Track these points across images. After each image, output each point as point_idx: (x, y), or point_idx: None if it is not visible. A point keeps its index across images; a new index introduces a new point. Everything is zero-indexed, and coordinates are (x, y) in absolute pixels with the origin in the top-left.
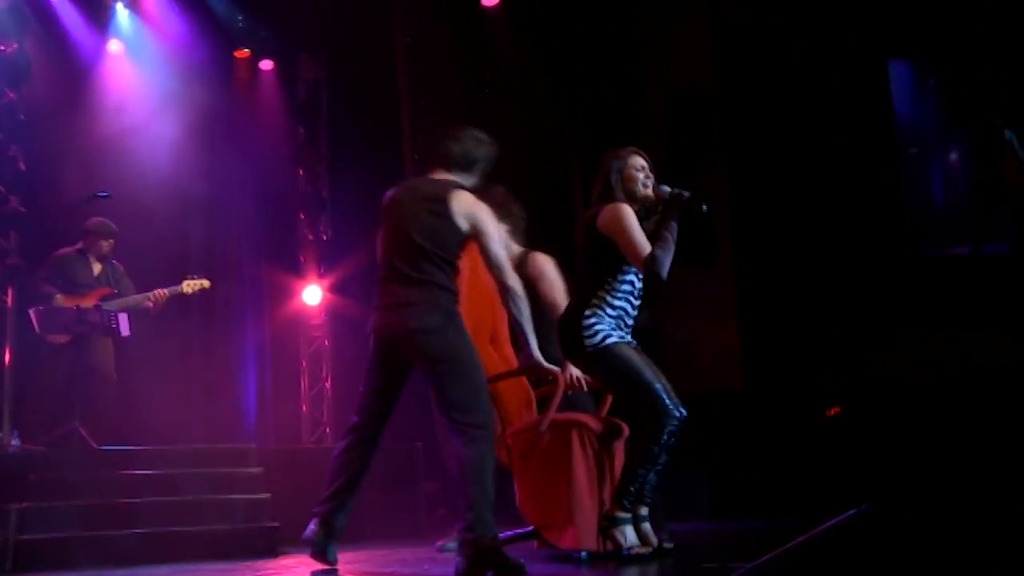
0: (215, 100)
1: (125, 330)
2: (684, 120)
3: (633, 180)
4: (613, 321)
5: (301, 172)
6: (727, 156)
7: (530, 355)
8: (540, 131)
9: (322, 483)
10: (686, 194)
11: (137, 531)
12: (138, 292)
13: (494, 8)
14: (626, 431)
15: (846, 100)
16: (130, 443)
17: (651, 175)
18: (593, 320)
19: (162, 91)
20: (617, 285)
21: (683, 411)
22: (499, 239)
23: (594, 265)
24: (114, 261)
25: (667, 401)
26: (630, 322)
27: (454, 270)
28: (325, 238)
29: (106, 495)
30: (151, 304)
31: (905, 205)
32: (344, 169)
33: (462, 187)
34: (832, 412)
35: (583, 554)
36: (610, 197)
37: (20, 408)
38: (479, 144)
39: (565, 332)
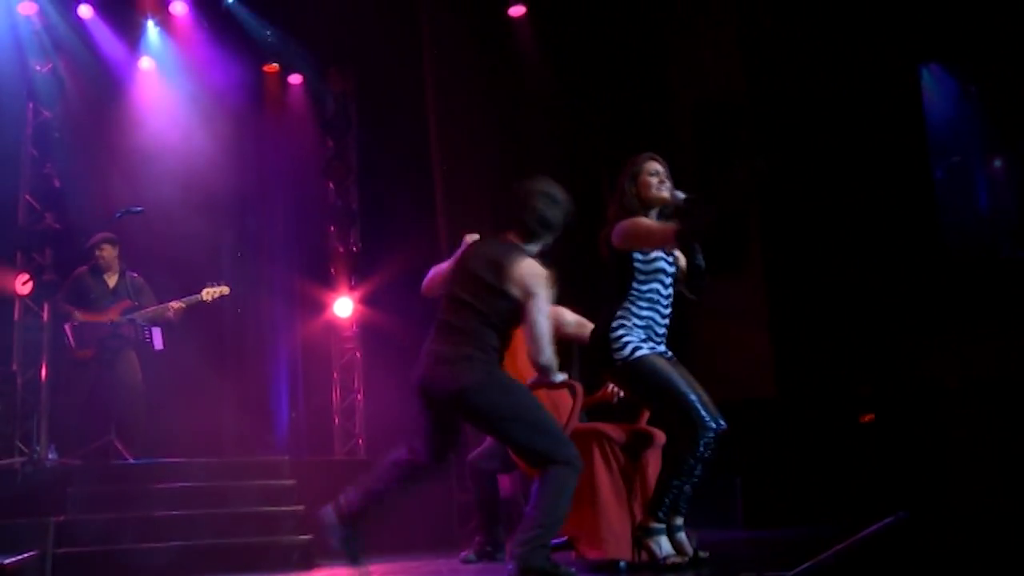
0: (245, 115)
1: (159, 344)
2: (712, 127)
3: (647, 186)
4: (642, 331)
5: (331, 185)
6: (756, 159)
7: (542, 375)
8: (568, 140)
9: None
10: (696, 201)
11: (173, 544)
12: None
13: (521, 18)
14: (660, 439)
15: (877, 106)
16: (164, 456)
17: (666, 180)
18: (621, 332)
19: (193, 107)
20: (641, 293)
21: (721, 423)
22: (547, 312)
23: (616, 278)
24: (133, 273)
25: (702, 412)
26: (661, 331)
27: (502, 335)
28: (356, 250)
29: (141, 508)
30: (172, 315)
31: (942, 210)
32: (373, 181)
33: (525, 253)
34: (866, 419)
35: (622, 564)
36: (623, 205)
37: (56, 423)
38: (552, 205)
39: (596, 347)
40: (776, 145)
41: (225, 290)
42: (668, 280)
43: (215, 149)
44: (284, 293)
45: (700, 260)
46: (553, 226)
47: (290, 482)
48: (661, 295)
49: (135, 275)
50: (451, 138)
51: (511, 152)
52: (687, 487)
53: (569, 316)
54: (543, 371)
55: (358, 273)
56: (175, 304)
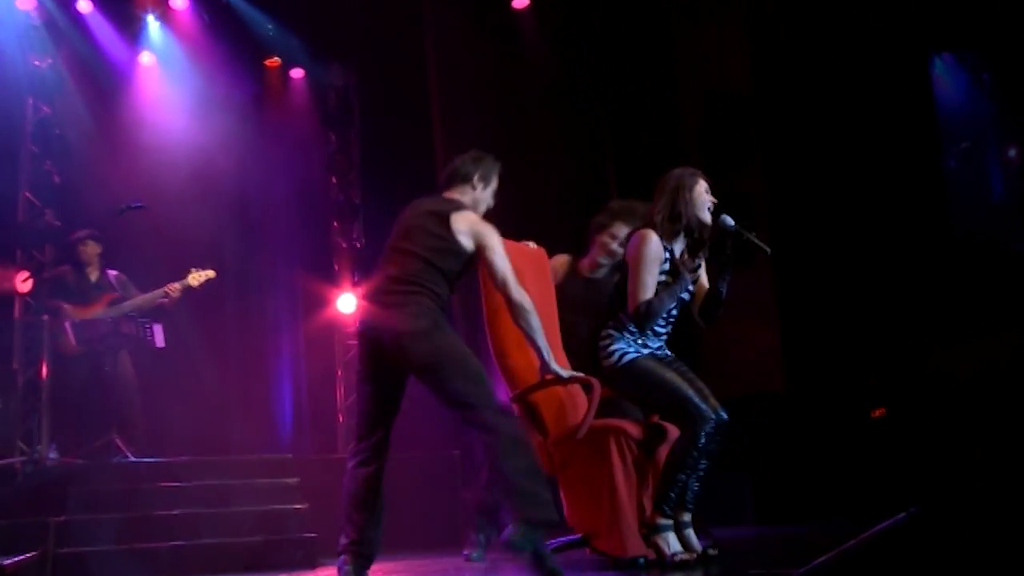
0: (246, 109)
1: (160, 341)
2: (720, 120)
3: (701, 199)
4: (633, 339)
5: (333, 180)
6: (764, 155)
7: (546, 367)
8: (573, 134)
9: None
10: (751, 236)
11: (175, 543)
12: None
13: (525, 10)
14: (673, 434)
15: (887, 96)
16: (165, 455)
17: (714, 200)
18: (608, 342)
19: (193, 102)
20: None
21: (722, 414)
22: (503, 253)
23: (622, 287)
24: (114, 271)
25: (699, 404)
26: (661, 333)
27: (448, 282)
28: (359, 246)
29: (143, 507)
30: (166, 300)
31: (953, 200)
32: (376, 176)
33: (463, 207)
34: (877, 413)
35: (641, 560)
36: (672, 211)
37: (56, 422)
38: (475, 161)
39: (591, 352)
40: (785, 136)
41: (211, 274)
42: (678, 304)
43: (216, 144)
44: (287, 289)
45: (723, 288)
46: (472, 175)
47: (294, 480)
48: (662, 316)
49: (116, 272)
50: (454, 131)
51: (515, 145)
52: (692, 481)
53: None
54: (518, 308)
55: (361, 268)
56: (171, 286)
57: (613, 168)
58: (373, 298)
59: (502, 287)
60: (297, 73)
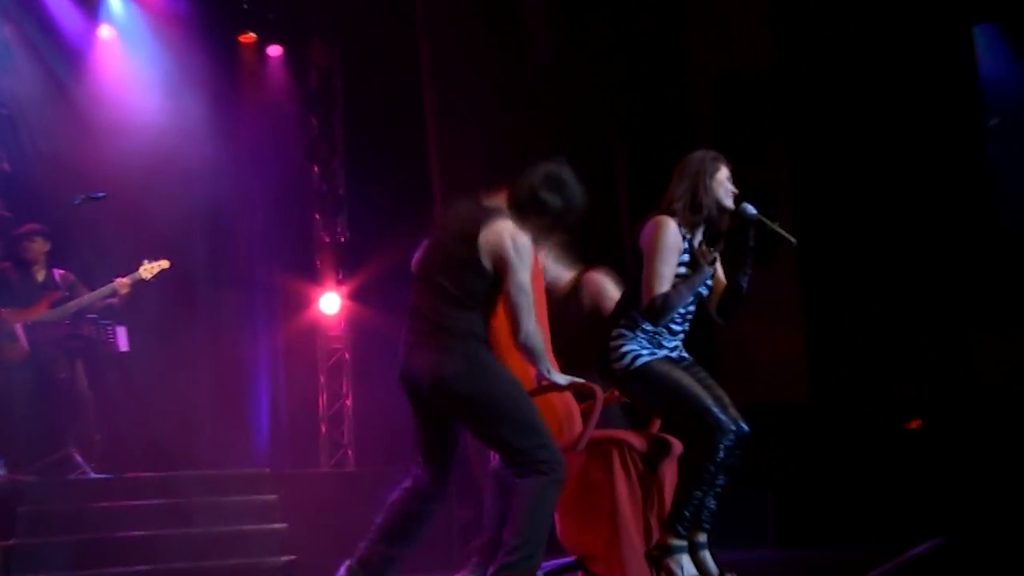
0: (218, 90)
1: (124, 344)
2: (737, 102)
3: (723, 186)
4: (646, 339)
5: (315, 168)
6: (786, 140)
7: (542, 376)
8: (577, 119)
9: (342, 511)
10: (775, 226)
11: (140, 568)
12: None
13: None
14: (677, 448)
15: (924, 73)
16: (128, 470)
17: (735, 189)
18: (619, 342)
19: (159, 81)
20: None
21: (743, 426)
22: (526, 284)
23: (636, 281)
24: (61, 270)
25: (719, 414)
26: (673, 342)
27: (482, 314)
28: (343, 240)
29: (104, 529)
30: (115, 300)
31: (997, 189)
32: (362, 164)
33: (499, 216)
34: (913, 426)
35: None
36: (692, 196)
37: (2, 435)
38: (552, 188)
39: (598, 353)
40: (810, 119)
41: (164, 264)
42: (695, 299)
43: (184, 129)
44: (264, 288)
45: (744, 282)
46: (545, 209)
47: (271, 497)
48: (679, 312)
49: (63, 271)
50: (449, 115)
51: (515, 130)
52: (709, 499)
53: (612, 289)
54: (525, 351)
55: (346, 266)
56: (120, 281)
57: (621, 157)
58: (407, 335)
59: (513, 324)
60: (275, 51)
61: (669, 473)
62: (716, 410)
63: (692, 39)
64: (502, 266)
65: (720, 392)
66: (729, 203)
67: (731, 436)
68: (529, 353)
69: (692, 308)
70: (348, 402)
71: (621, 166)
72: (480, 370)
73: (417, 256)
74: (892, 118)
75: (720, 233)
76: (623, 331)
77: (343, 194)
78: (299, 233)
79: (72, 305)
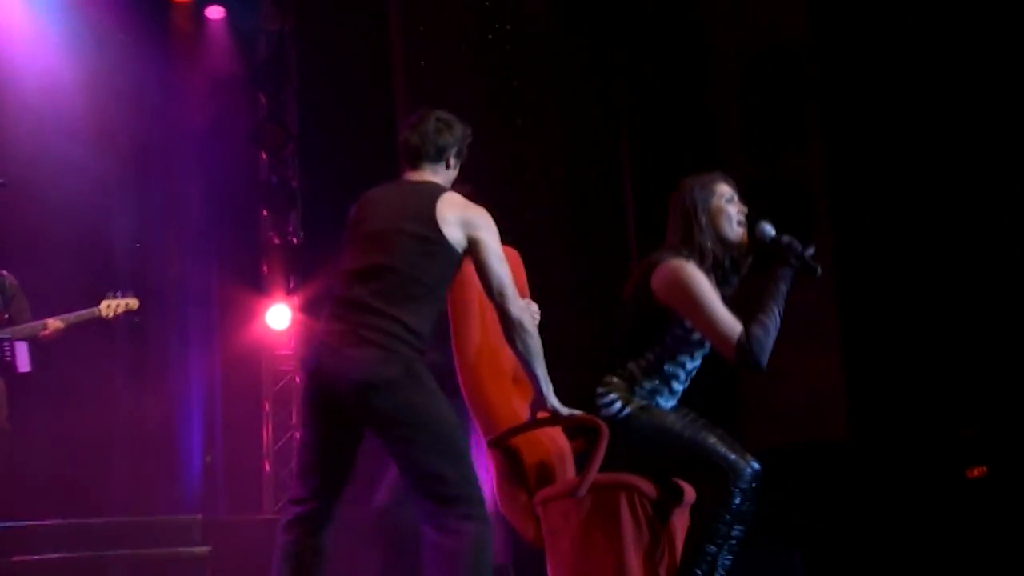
0: (146, 60)
1: (24, 364)
2: (765, 86)
3: (724, 215)
4: (640, 394)
5: (263, 155)
6: (823, 130)
7: (542, 401)
8: (576, 104)
9: None
10: (806, 249)
11: None
12: (34, 313)
13: None
14: (689, 495)
15: (986, 49)
16: (27, 517)
17: (744, 207)
18: (605, 389)
19: (74, 48)
20: (658, 364)
21: (755, 464)
22: (501, 253)
23: (637, 332)
24: (3, 272)
25: (727, 454)
26: (678, 391)
27: (434, 304)
28: (295, 241)
29: None
30: (47, 334)
31: None
32: (319, 151)
33: (445, 189)
34: (975, 473)
35: None
36: (691, 240)
37: None
38: (444, 128)
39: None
40: (852, 105)
41: (133, 303)
42: (703, 352)
43: (104, 106)
44: (198, 298)
45: (779, 310)
46: (450, 148)
47: (203, 549)
48: (685, 368)
49: (4, 273)
50: (423, 93)
51: (503, 111)
52: (724, 555)
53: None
54: (517, 327)
55: (299, 272)
56: (53, 323)
57: (627, 145)
58: (327, 331)
59: (498, 298)
60: (215, 12)
61: (680, 523)
62: (723, 449)
63: (714, 9)
64: (472, 235)
65: (723, 431)
66: (735, 232)
67: (746, 477)
68: (526, 352)
69: (699, 363)
70: (298, 435)
71: (626, 157)
72: (417, 381)
73: (348, 253)
74: (946, 103)
75: (740, 263)
76: (614, 379)
77: (296, 187)
78: (242, 233)
79: (10, 332)
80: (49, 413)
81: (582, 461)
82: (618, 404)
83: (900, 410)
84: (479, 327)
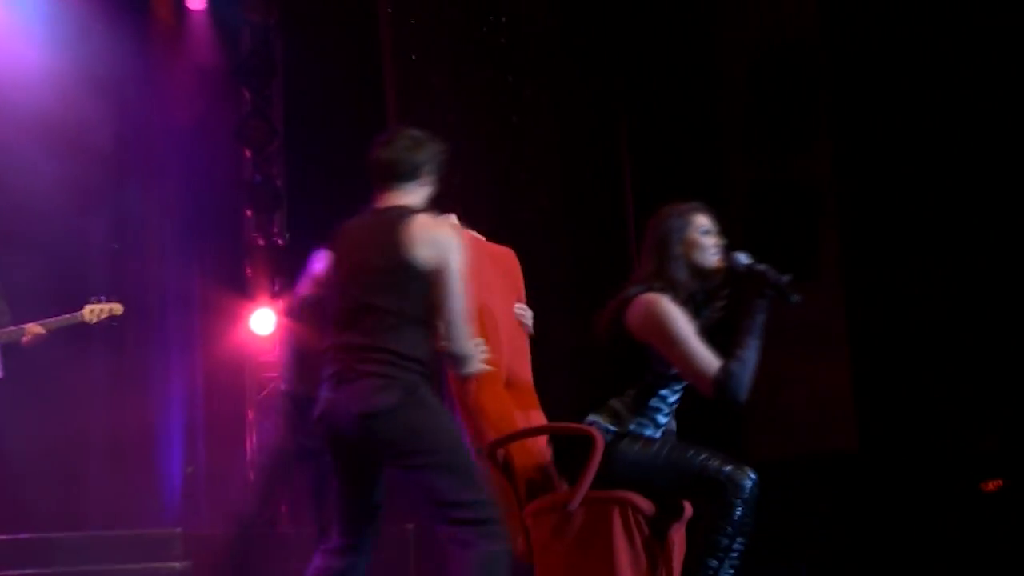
0: (124, 52)
1: None
2: (771, 83)
3: (698, 247)
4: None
5: (247, 153)
6: (834, 130)
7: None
8: (575, 101)
9: None
10: (781, 277)
11: None
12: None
13: None
14: (687, 512)
15: (1006, 45)
16: (1, 531)
17: (721, 240)
18: (601, 423)
19: (48, 38)
20: (644, 401)
21: (752, 475)
22: (460, 283)
23: (614, 368)
24: None
25: (722, 467)
26: (663, 424)
27: (422, 327)
28: (281, 243)
29: None
30: (27, 340)
31: None
32: (306, 149)
33: (415, 212)
34: (991, 487)
35: None
36: (663, 271)
37: None
38: (415, 146)
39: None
40: (864, 103)
41: (117, 309)
42: (682, 384)
43: (80, 102)
44: (179, 302)
45: (754, 342)
46: (424, 166)
47: (182, 564)
48: (667, 402)
49: None
50: (415, 88)
51: (498, 108)
52: (726, 569)
53: None
54: (459, 362)
55: (284, 274)
56: (33, 328)
57: (627, 144)
58: (331, 375)
59: (444, 327)
60: (197, 3)
61: (678, 540)
62: (716, 463)
63: (718, 6)
64: (439, 261)
65: (711, 449)
66: (710, 262)
67: (746, 488)
68: (463, 363)
69: (680, 395)
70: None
71: (626, 158)
72: (419, 404)
73: (324, 291)
74: (961, 102)
75: (715, 295)
76: (594, 419)
77: (281, 185)
78: (225, 234)
79: None
80: (21, 421)
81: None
82: (610, 428)
83: (912, 420)
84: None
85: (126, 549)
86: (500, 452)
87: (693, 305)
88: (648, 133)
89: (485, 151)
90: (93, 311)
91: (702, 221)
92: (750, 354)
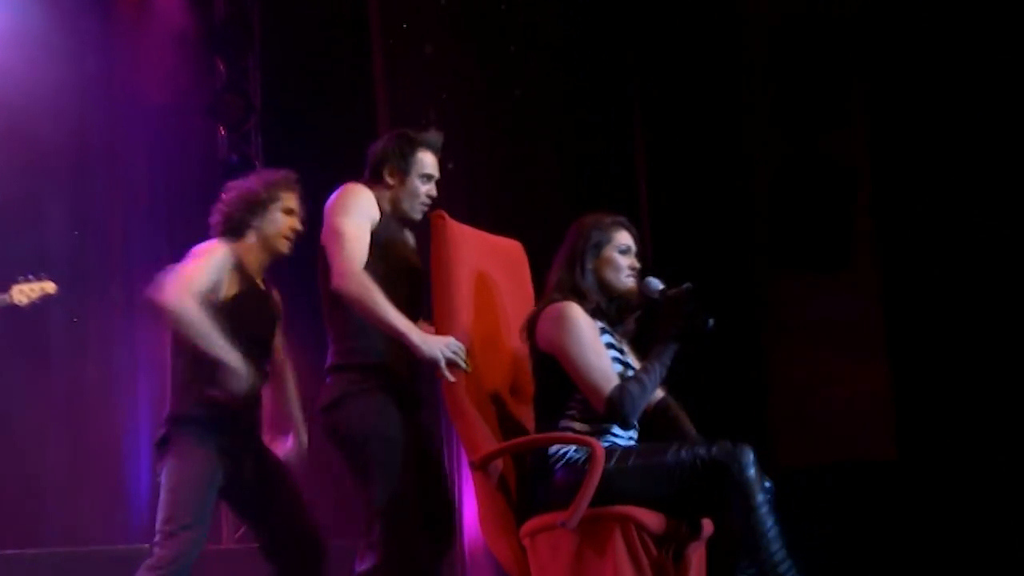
0: (85, 17)
1: None
2: (802, 53)
3: (612, 265)
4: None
5: (221, 130)
6: (869, 108)
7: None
8: (585, 77)
9: None
10: (694, 306)
11: None
12: None
13: None
14: (706, 529)
15: None
16: None
17: (637, 263)
18: (562, 451)
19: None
20: (580, 407)
21: (748, 447)
22: (341, 226)
23: (544, 389)
24: None
25: (712, 449)
26: (633, 423)
27: (337, 303)
28: None
29: None
30: None
31: None
32: (285, 126)
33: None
34: None
35: None
36: (574, 284)
37: None
38: (383, 150)
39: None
40: (903, 80)
41: (49, 288)
42: None
43: (37, 74)
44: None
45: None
46: (392, 165)
47: None
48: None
49: None
50: (406, 59)
51: (498, 82)
52: (770, 523)
53: None
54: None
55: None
56: None
57: (641, 128)
58: None
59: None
60: None
61: (696, 561)
62: (703, 450)
63: None
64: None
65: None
66: (622, 283)
67: (746, 458)
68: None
69: None
70: None
71: (639, 142)
72: (353, 401)
73: None
74: (1013, 73)
75: (627, 315)
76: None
77: (260, 167)
78: (199, 220)
79: None
80: None
81: None
82: (565, 456)
83: (958, 425)
84: (463, 327)
85: (91, 566)
86: (495, 465)
87: (604, 318)
88: (662, 108)
89: (484, 129)
90: (23, 291)
91: (623, 239)
92: (651, 380)
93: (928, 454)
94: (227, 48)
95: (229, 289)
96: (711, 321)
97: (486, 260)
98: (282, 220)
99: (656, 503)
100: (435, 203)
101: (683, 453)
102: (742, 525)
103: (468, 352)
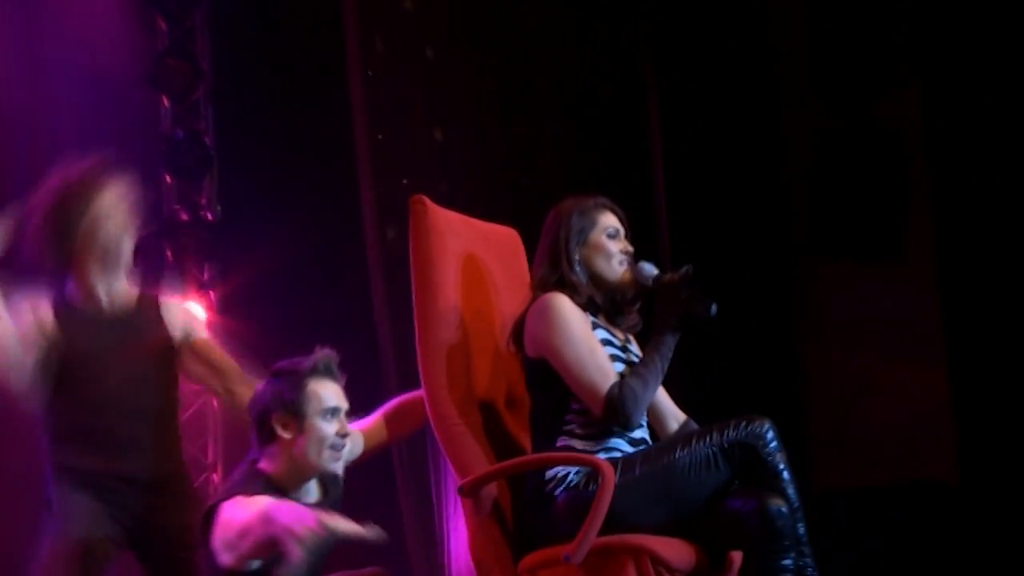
0: None
1: None
2: (843, 18)
3: (601, 252)
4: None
5: (166, 102)
6: (922, 71)
7: None
8: (593, 43)
9: None
10: (693, 291)
11: None
12: None
13: None
14: (735, 563)
15: None
16: None
17: (629, 246)
18: (560, 473)
19: None
20: (594, 423)
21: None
22: None
23: (539, 403)
24: None
25: (728, 431)
26: (638, 436)
27: None
28: (210, 217)
29: None
30: None
31: None
32: (241, 97)
33: None
34: None
35: None
36: (562, 276)
37: None
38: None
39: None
40: (958, 34)
41: None
42: None
43: None
44: None
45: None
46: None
47: None
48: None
49: None
50: (383, 14)
51: (493, 48)
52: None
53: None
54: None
55: (216, 258)
56: None
57: (656, 99)
58: None
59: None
60: None
61: None
62: (718, 435)
63: None
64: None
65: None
66: (615, 272)
67: (767, 432)
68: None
69: None
70: (215, 476)
71: (655, 121)
72: None
73: None
74: None
75: (625, 307)
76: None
77: (210, 144)
78: (140, 206)
79: None
80: None
81: None
82: (557, 478)
83: None
84: (449, 329)
85: None
86: (488, 490)
87: (600, 313)
88: (679, 77)
89: (474, 98)
90: None
91: (609, 221)
92: (652, 374)
93: (995, 476)
94: (169, 4)
95: None
96: (713, 307)
97: (476, 250)
98: None
99: (673, 513)
100: (420, 188)
101: (695, 444)
102: (783, 501)
103: (457, 358)
